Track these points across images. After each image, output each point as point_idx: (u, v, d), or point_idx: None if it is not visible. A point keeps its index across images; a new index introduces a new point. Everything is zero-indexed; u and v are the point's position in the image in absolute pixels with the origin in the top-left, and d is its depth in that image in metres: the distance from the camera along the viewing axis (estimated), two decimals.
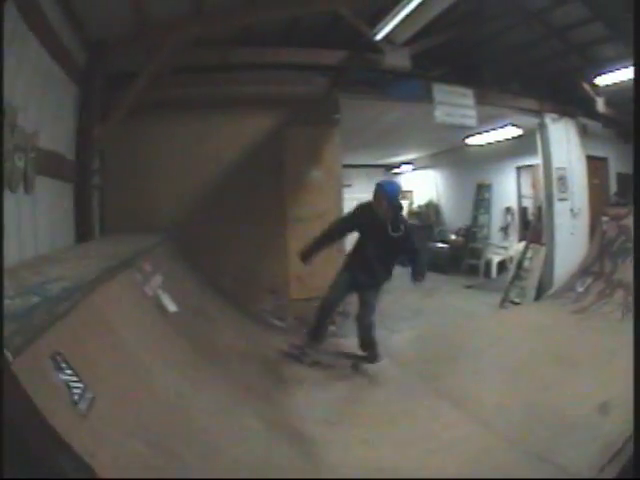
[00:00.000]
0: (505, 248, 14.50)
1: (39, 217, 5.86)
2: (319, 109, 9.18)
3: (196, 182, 8.91)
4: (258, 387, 5.64)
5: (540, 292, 10.90)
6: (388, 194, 6.83)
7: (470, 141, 14.29)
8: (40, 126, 5.89)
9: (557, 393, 5.52)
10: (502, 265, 14.12)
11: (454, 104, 9.69)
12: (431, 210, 19.37)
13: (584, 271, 10.23)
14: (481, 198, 16.17)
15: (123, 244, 6.66)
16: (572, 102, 11.03)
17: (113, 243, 6.94)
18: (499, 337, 8.15)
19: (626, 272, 8.77)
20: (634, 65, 8.30)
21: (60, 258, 5.13)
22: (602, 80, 9.91)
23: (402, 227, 6.93)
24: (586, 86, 10.40)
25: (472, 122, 9.93)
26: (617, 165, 12.21)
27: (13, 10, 4.94)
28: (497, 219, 15.51)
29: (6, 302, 2.89)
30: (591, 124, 11.41)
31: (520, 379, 6.23)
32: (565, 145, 11.20)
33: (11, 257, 4.90)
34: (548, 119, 11.00)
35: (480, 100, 9.90)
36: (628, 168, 11.04)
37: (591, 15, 8.56)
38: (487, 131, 12.86)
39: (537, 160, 11.61)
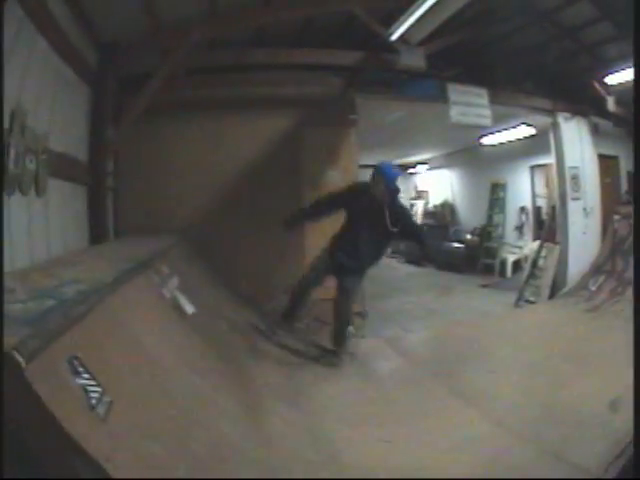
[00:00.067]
0: (520, 247, 14.49)
1: (51, 220, 5.93)
2: (335, 109, 9.14)
3: (211, 183, 8.88)
4: (276, 388, 5.64)
5: (554, 291, 10.89)
6: (386, 176, 6.78)
7: (485, 141, 14.30)
8: (51, 128, 5.94)
9: (571, 391, 5.51)
10: (517, 264, 14.09)
11: (469, 104, 9.71)
12: (446, 210, 19.37)
13: (596, 269, 10.22)
14: (496, 197, 16.15)
15: (139, 246, 6.65)
16: (583, 101, 11.03)
17: (128, 245, 6.96)
18: (514, 336, 8.19)
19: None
20: (634, 66, 8.39)
21: (74, 261, 5.07)
22: (612, 79, 9.94)
23: (399, 211, 6.92)
24: (597, 85, 10.41)
25: (487, 122, 9.97)
26: (628, 164, 12.11)
27: (17, 10, 4.95)
28: (512, 218, 15.51)
29: (18, 306, 2.88)
30: (602, 123, 11.39)
31: (534, 377, 6.22)
32: (578, 144, 11.19)
33: (22, 260, 4.96)
34: (561, 118, 11.01)
35: (494, 100, 9.91)
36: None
37: (600, 15, 8.60)
38: (501, 131, 12.89)
39: (550, 159, 11.62)
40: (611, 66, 9.52)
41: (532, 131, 12.40)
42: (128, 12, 7.04)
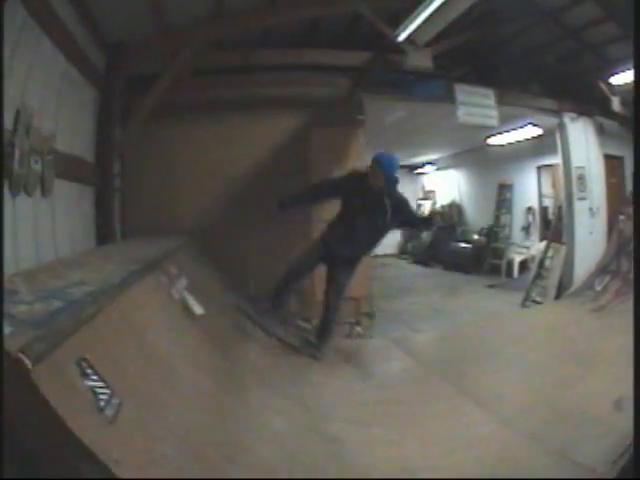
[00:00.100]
0: (527, 247, 14.53)
1: (58, 221, 5.95)
2: (343, 110, 9.13)
3: (219, 184, 8.85)
4: (284, 388, 5.62)
5: (560, 291, 10.91)
6: (385, 167, 6.72)
7: (491, 141, 14.31)
8: (58, 128, 5.95)
9: (576, 390, 5.52)
10: (524, 264, 14.14)
11: (476, 104, 9.75)
12: (454, 210, 19.41)
13: (602, 269, 10.19)
14: (503, 198, 16.21)
15: (146, 247, 6.62)
16: (589, 101, 11.04)
17: (135, 246, 6.96)
18: (521, 336, 8.18)
19: None
20: (634, 67, 8.43)
21: (81, 262, 5.06)
22: (617, 80, 9.97)
23: (398, 201, 6.87)
24: (602, 85, 10.43)
25: (494, 122, 10.00)
26: (633, 164, 12.14)
27: (20, 9, 4.93)
28: (519, 219, 15.55)
29: (24, 307, 2.85)
30: (607, 123, 11.40)
31: (541, 377, 6.22)
32: (584, 144, 11.22)
33: (28, 261, 4.96)
34: (567, 118, 11.03)
35: (500, 100, 9.94)
36: None
37: (604, 15, 8.62)
38: (508, 131, 12.90)
39: (557, 159, 11.64)
40: (616, 66, 9.52)
41: (539, 131, 12.43)
42: (134, 13, 7.06)
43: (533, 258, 12.92)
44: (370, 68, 8.95)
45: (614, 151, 11.80)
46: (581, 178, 11.06)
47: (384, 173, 6.65)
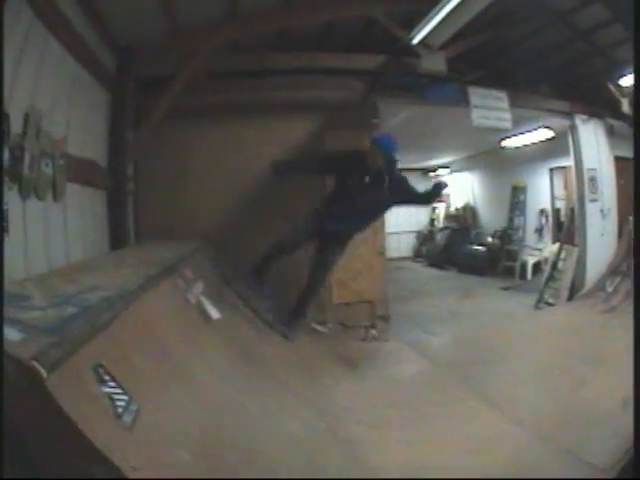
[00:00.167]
0: (540, 250, 14.55)
1: (70, 225, 5.88)
2: (357, 114, 9.10)
3: (233, 187, 8.80)
4: (299, 391, 5.63)
5: (573, 292, 10.95)
6: (384, 148, 6.76)
7: (505, 143, 14.37)
8: (69, 131, 5.90)
9: (588, 390, 5.60)
10: (537, 266, 14.15)
11: (489, 107, 9.78)
12: (468, 213, 19.48)
13: (613, 271, 10.25)
14: (516, 200, 16.25)
15: (161, 250, 6.55)
16: (599, 103, 11.05)
17: (150, 249, 6.95)
18: (534, 338, 8.24)
19: None
20: (634, 72, 8.56)
21: (94, 266, 5.09)
22: (625, 81, 9.99)
23: (398, 180, 6.91)
24: (611, 87, 10.46)
25: (507, 125, 10.01)
26: (633, 164, 12.14)
27: (26, 9, 4.86)
28: (532, 221, 15.59)
29: (37, 313, 2.80)
30: (617, 125, 11.39)
31: (553, 378, 6.29)
32: (595, 146, 11.24)
33: (39, 265, 4.93)
34: (578, 120, 11.06)
35: (513, 102, 9.96)
36: None
37: (612, 17, 8.66)
38: (523, 133, 13.01)
39: (569, 161, 11.69)
40: (625, 68, 9.53)
41: (551, 134, 12.49)
42: (145, 14, 7.08)
43: (546, 260, 12.94)
44: (384, 71, 8.95)
45: (624, 152, 11.73)
46: (592, 180, 11.08)
47: (383, 153, 6.68)
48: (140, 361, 3.25)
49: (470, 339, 8.78)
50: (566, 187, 13.61)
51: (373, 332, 8.52)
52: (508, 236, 16.28)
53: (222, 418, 3.74)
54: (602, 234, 11.10)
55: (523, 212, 15.98)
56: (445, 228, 19.80)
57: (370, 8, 8.19)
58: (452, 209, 20.83)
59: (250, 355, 5.70)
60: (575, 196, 11.44)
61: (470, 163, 19.14)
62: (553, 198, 14.74)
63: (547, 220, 14.88)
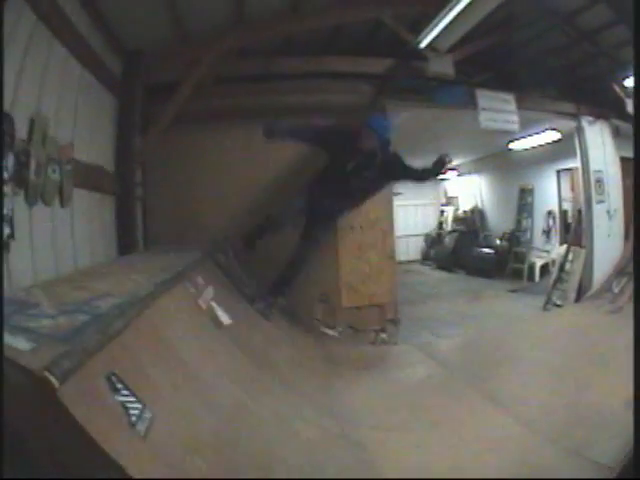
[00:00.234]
0: (547, 251, 14.58)
1: (77, 230, 5.87)
2: (366, 117, 8.60)
3: (241, 192, 8.73)
4: (310, 395, 5.65)
5: (580, 294, 10.96)
6: (378, 128, 6.84)
7: (512, 146, 14.44)
8: (76, 137, 5.90)
9: (595, 391, 5.61)
10: (545, 268, 14.17)
11: (497, 109, 9.79)
12: (476, 215, 19.49)
13: (619, 271, 10.26)
14: (524, 202, 16.31)
15: (170, 256, 6.50)
16: (605, 104, 11.04)
17: (159, 255, 6.84)
18: (542, 339, 8.21)
19: None
20: (634, 75, 8.58)
21: (103, 272, 5.04)
22: (630, 82, 9.95)
23: (393, 159, 7.00)
24: (617, 88, 10.46)
25: (515, 127, 10.03)
26: (633, 164, 12.14)
27: (29, 13, 4.79)
28: (539, 223, 15.62)
29: (47, 322, 2.74)
30: (623, 126, 11.30)
31: (562, 379, 6.30)
32: (601, 147, 11.23)
33: (47, 272, 4.91)
34: (584, 122, 11.06)
35: (520, 105, 9.97)
36: None
37: (616, 18, 8.64)
38: (530, 135, 13.06)
39: (575, 163, 11.68)
40: (629, 69, 9.51)
41: (558, 135, 12.52)
42: (153, 20, 7.10)
43: (554, 262, 12.90)
44: (392, 75, 8.94)
45: (630, 153, 11.70)
46: (599, 181, 11.08)
47: (376, 133, 6.76)
48: (153, 368, 3.23)
49: (479, 341, 8.77)
50: (573, 189, 13.57)
51: (383, 336, 8.50)
52: (516, 238, 16.32)
53: (235, 424, 3.74)
54: (609, 235, 11.10)
55: (531, 214, 16.01)
56: (453, 231, 19.84)
57: (378, 11, 8.17)
58: (460, 212, 20.83)
59: (262, 360, 5.70)
60: (582, 197, 11.43)
61: (478, 166, 19.17)
62: (560, 200, 14.76)
63: (554, 222, 14.90)
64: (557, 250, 13.27)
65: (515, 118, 9.90)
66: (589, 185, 11.06)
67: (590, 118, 11.11)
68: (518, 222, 16.42)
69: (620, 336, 7.24)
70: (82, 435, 2.20)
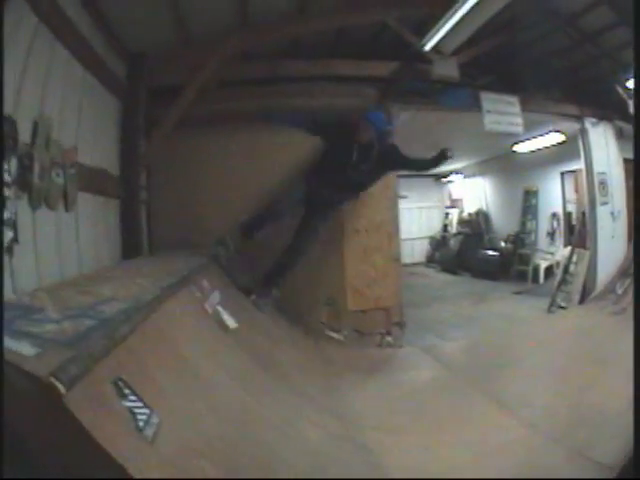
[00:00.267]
0: (552, 253, 14.55)
1: (82, 234, 5.85)
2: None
3: (246, 195, 8.64)
4: (316, 399, 5.67)
5: (584, 295, 10.93)
6: (375, 122, 6.91)
7: (517, 148, 14.40)
8: (80, 140, 5.88)
9: (599, 392, 5.62)
10: (549, 270, 14.17)
11: (501, 112, 9.80)
12: (481, 218, 19.45)
13: (623, 273, 10.26)
14: (528, 204, 16.31)
15: (176, 260, 6.55)
16: (608, 106, 11.03)
17: (165, 259, 6.89)
18: (547, 341, 8.26)
19: None
20: (634, 77, 8.66)
21: (108, 276, 5.08)
22: (632, 83, 9.94)
23: (391, 150, 7.09)
24: (619, 89, 10.45)
25: (519, 129, 10.05)
26: (633, 165, 12.13)
27: (30, 15, 4.75)
28: (544, 225, 15.61)
29: (52, 326, 2.74)
30: (626, 127, 11.29)
31: (565, 380, 6.35)
32: (605, 149, 11.22)
33: (51, 276, 4.90)
34: (588, 124, 11.04)
35: (524, 107, 9.98)
36: None
37: (618, 20, 8.62)
38: (535, 137, 13.03)
39: (579, 165, 11.66)
40: (631, 70, 9.51)
41: (562, 137, 12.51)
42: (157, 23, 7.09)
43: (558, 264, 12.91)
44: (397, 78, 8.94)
45: (632, 154, 11.81)
46: (603, 183, 11.06)
47: (374, 126, 6.86)
48: (159, 373, 3.22)
49: (484, 344, 8.82)
50: (577, 190, 13.58)
51: (388, 339, 8.50)
52: (520, 240, 16.31)
53: (242, 428, 3.74)
54: (612, 236, 11.08)
55: (535, 216, 16.02)
56: (458, 233, 19.86)
57: (383, 14, 8.19)
58: (465, 214, 20.81)
59: (267, 363, 5.70)
60: (586, 199, 11.41)
61: (482, 168, 19.16)
62: (565, 202, 14.76)
63: (559, 224, 14.90)
64: (561, 252, 13.30)
65: (519, 120, 9.92)
66: (593, 187, 11.04)
67: (593, 120, 11.09)
68: (522, 224, 16.41)
69: (623, 337, 7.27)
70: (89, 441, 2.17)
